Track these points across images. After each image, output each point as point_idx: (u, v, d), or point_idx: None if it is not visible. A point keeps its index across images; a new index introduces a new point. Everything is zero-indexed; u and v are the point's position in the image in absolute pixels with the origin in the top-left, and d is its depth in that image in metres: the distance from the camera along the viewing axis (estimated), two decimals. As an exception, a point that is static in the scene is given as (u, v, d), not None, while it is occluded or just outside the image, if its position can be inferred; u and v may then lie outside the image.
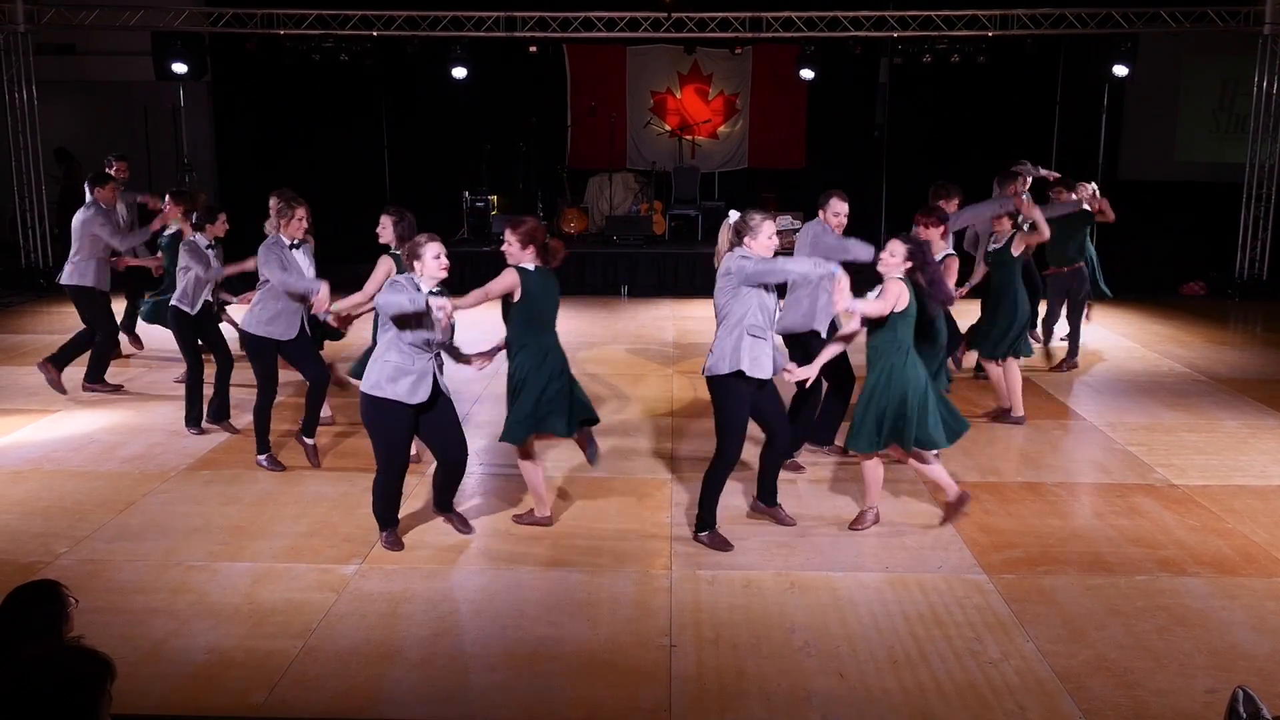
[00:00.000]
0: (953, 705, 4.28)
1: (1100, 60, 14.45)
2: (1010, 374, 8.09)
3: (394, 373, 5.37)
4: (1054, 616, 5.01)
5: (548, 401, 5.71)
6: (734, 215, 5.74)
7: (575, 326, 12.07)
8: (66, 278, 8.59)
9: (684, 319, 12.47)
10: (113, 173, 9.35)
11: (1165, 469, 7.12)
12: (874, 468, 6.00)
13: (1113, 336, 11.53)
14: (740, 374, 5.55)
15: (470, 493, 6.57)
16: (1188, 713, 4.24)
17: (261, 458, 6.97)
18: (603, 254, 14.59)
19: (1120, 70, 14.27)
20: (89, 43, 15.84)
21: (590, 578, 5.41)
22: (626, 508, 6.37)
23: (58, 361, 8.62)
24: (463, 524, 5.94)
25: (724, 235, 5.77)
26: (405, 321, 5.33)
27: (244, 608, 5.06)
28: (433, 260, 5.38)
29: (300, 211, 6.71)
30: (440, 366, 5.53)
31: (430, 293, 5.35)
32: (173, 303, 7.54)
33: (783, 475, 6.30)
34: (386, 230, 6.68)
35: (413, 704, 4.30)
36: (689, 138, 16.48)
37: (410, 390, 5.38)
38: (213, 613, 5.01)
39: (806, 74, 15.04)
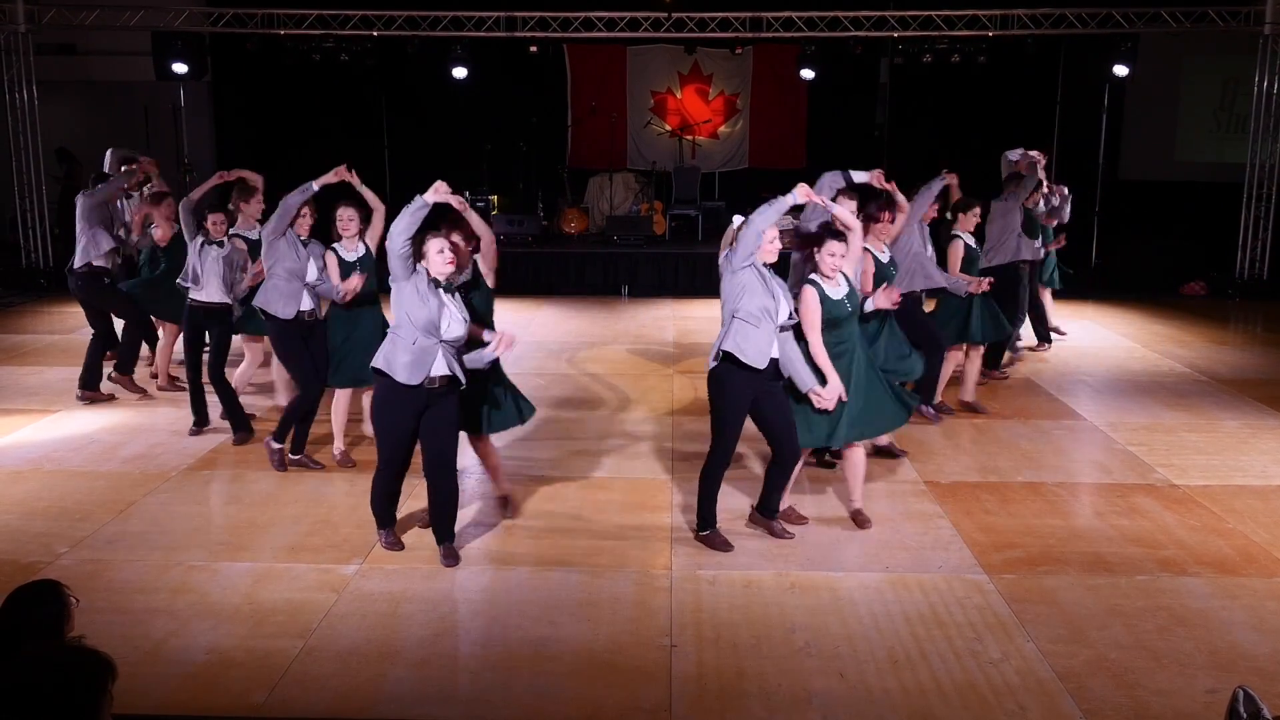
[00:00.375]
0: (953, 705, 4.28)
1: (1101, 60, 14.45)
2: (947, 363, 8.13)
3: (391, 347, 5.28)
4: (1054, 616, 5.01)
5: None
6: (737, 220, 5.76)
7: (575, 326, 12.09)
8: (79, 259, 8.44)
9: (684, 319, 12.47)
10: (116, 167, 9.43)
11: (1166, 469, 7.12)
12: (863, 455, 6.04)
13: (1113, 336, 11.53)
14: (731, 361, 5.43)
15: (471, 494, 6.56)
16: (1188, 713, 4.24)
17: (273, 442, 6.89)
18: (603, 254, 14.59)
19: (1121, 70, 14.27)
20: (89, 43, 15.82)
21: (590, 578, 5.41)
22: (627, 508, 6.37)
23: (94, 380, 8.57)
24: (449, 557, 5.55)
25: (727, 239, 5.78)
26: (410, 236, 5.19)
27: (244, 608, 5.06)
28: (436, 255, 5.26)
29: (304, 209, 6.74)
30: (457, 366, 5.35)
31: (434, 282, 5.28)
32: (189, 298, 7.40)
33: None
34: (355, 223, 6.79)
35: (413, 704, 4.30)
36: (689, 138, 16.48)
37: (406, 370, 5.22)
38: (213, 613, 5.01)
39: (807, 74, 15.05)
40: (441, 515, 5.57)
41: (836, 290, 5.72)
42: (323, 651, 4.67)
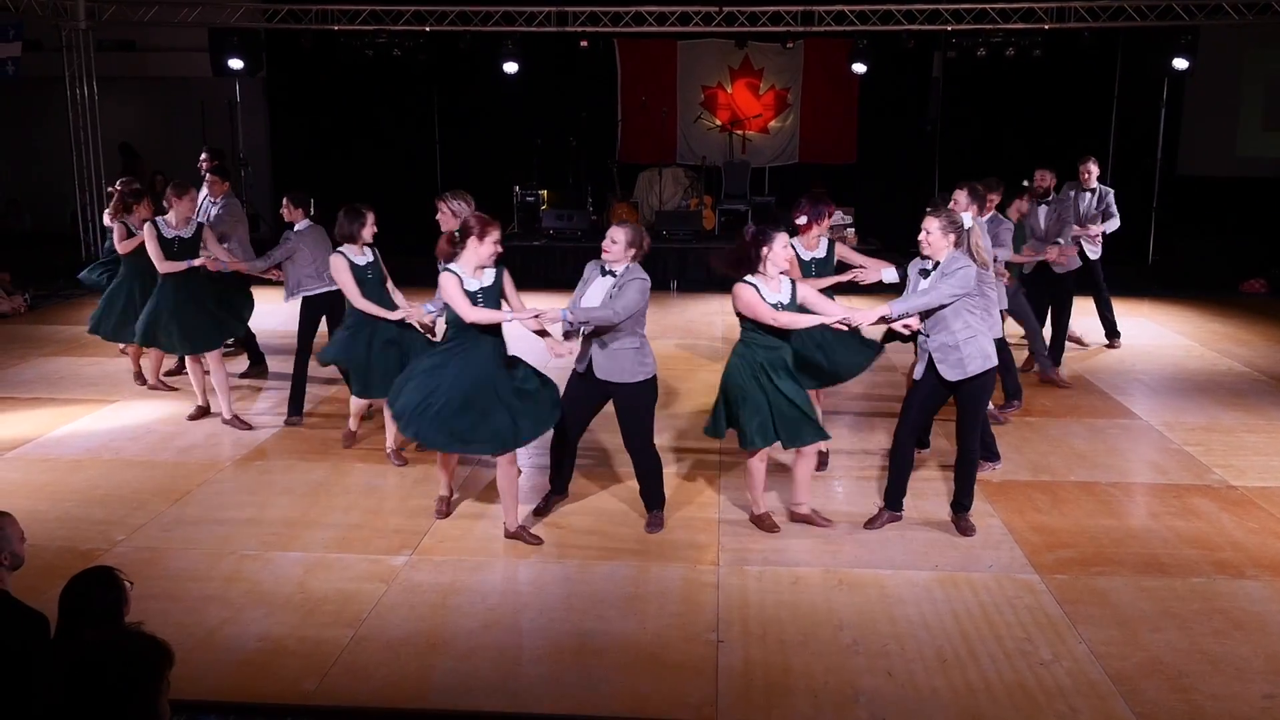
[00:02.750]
0: (1003, 706, 4.24)
1: (1159, 53, 14.16)
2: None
3: None
4: (1107, 618, 4.95)
5: None
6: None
7: (624, 321, 12.06)
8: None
9: (733, 314, 12.37)
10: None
11: (1223, 470, 6.99)
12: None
13: (1170, 335, 11.33)
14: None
15: (522, 489, 6.58)
16: (1244, 718, 4.17)
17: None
18: (652, 248, 14.54)
19: (1180, 63, 13.97)
20: (148, 39, 16.12)
21: (638, 572, 5.42)
22: (674, 502, 6.35)
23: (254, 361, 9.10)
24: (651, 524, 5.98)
25: (948, 234, 5.64)
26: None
27: (296, 597, 5.13)
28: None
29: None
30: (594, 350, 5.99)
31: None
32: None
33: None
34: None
35: (460, 694, 4.34)
36: (739, 132, 16.41)
37: (577, 358, 5.95)
38: (265, 601, 5.09)
39: (859, 68, 14.91)
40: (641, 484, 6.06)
41: (773, 294, 5.79)
42: (372, 641, 4.72)
